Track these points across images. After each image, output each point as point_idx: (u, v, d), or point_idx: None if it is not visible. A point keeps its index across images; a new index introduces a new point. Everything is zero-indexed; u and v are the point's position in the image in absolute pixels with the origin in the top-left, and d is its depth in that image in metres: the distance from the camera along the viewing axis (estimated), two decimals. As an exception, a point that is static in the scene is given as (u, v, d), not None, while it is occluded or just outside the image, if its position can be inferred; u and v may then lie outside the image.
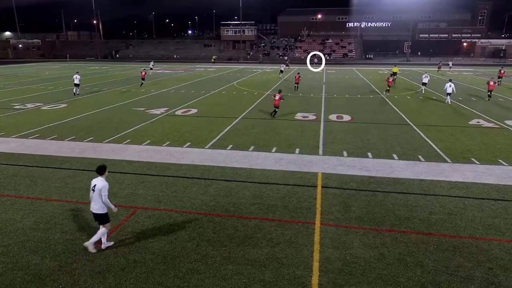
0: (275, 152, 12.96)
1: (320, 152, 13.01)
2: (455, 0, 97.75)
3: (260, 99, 24.92)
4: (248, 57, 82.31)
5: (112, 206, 7.00)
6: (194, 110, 20.65)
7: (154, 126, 16.83)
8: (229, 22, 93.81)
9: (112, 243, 7.27)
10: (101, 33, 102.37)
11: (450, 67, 51.72)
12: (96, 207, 6.95)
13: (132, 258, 6.87)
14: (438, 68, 49.01)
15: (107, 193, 6.89)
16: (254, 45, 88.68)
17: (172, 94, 27.69)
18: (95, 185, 6.94)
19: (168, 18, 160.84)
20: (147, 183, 10.26)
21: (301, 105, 22.67)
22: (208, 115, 19.44)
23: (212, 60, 72.14)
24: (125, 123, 17.19)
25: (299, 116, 19.19)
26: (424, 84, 28.60)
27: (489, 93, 25.20)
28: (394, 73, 41.11)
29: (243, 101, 24.04)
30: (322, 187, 9.98)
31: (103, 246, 7.16)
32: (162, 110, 20.66)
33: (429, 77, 30.04)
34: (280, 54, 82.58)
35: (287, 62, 59.71)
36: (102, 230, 7.08)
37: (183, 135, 15.10)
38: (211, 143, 13.95)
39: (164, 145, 13.79)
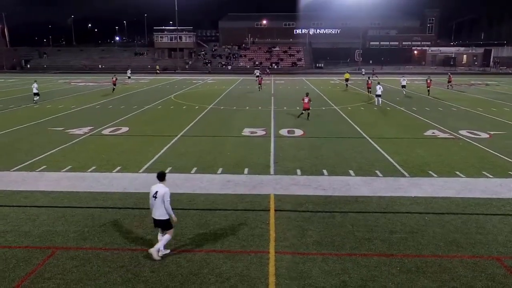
0: (221, 173, 12.92)
1: (272, 171, 13.17)
2: (403, 7, 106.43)
3: (202, 114, 24.85)
4: (187, 66, 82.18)
5: (174, 215, 7.74)
6: (124, 129, 20.07)
7: (76, 148, 16.07)
8: (163, 27, 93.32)
9: (168, 251, 7.92)
10: (7, 40, 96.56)
11: (363, 74, 56.77)
12: (159, 213, 7.66)
13: (51, 311, 6.36)
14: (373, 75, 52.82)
15: (169, 199, 7.62)
16: (193, 54, 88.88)
17: (97, 110, 26.74)
18: (156, 192, 7.63)
19: (91, 23, 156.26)
20: (68, 217, 9.67)
21: (248, 120, 22.91)
22: (142, 133, 18.98)
23: (157, 71, 71.76)
24: (39, 146, 16.22)
25: (246, 131, 19.37)
26: (403, 86, 35.82)
27: (428, 89, 34.98)
28: (346, 80, 44.01)
29: (182, 117, 23.81)
30: (275, 210, 10.07)
31: (160, 254, 7.78)
32: (86, 129, 19.83)
33: (406, 80, 37.01)
34: (223, 63, 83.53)
35: (266, 70, 63.63)
36: (166, 237, 7.76)
37: (112, 158, 14.57)
38: (146, 166, 13.58)
39: (89, 170, 13.18)
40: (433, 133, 19.17)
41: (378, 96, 28.85)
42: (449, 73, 46.06)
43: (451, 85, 41.87)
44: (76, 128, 20.04)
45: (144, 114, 24.96)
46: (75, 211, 10.02)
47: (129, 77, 51.61)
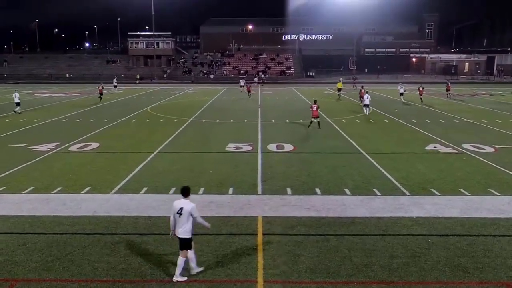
0: (203, 193, 12.86)
1: (259, 190, 13.16)
2: (400, 11, 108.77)
3: (182, 128, 24.82)
4: (165, 75, 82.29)
5: (206, 223, 8.26)
6: (95, 145, 19.91)
7: (40, 167, 15.84)
8: (139, 32, 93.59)
9: (185, 278, 8.04)
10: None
11: (354, 87, 56.79)
12: (182, 230, 7.93)
13: None
14: (354, 85, 53.50)
15: (199, 214, 8.00)
16: (171, 61, 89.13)
17: (64, 124, 26.51)
18: (181, 208, 7.91)
19: (57, 28, 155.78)
20: (29, 245, 9.47)
21: (233, 134, 22.96)
22: (114, 150, 18.84)
23: (136, 80, 71.82)
24: (-3, 165, 15.94)
25: (231, 147, 19.38)
26: (401, 94, 39.35)
27: (421, 97, 38.40)
28: (339, 89, 44.76)
29: (159, 131, 23.75)
30: (263, 234, 10.03)
31: (194, 272, 8.18)
32: (51, 145, 19.61)
33: (404, 88, 40.45)
34: (205, 71, 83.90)
35: (262, 78, 64.81)
36: (190, 255, 8.10)
37: (81, 178, 14.40)
38: (118, 187, 13.45)
39: (54, 192, 12.99)
40: (435, 147, 19.46)
41: (366, 106, 30.19)
42: (447, 82, 47.83)
43: (449, 94, 43.81)
44: (39, 145, 19.79)
45: (116, 128, 24.80)
46: (37, 238, 9.83)
47: (115, 86, 53.59)
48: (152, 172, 15.13)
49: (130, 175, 14.74)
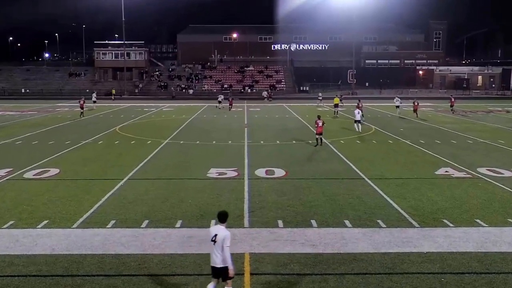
0: (180, 227, 12.75)
1: (246, 222, 13.09)
2: (404, 18, 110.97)
3: (157, 151, 24.73)
4: (137, 91, 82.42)
5: (232, 266, 8.21)
6: (54, 171, 19.73)
7: (-11, 197, 15.59)
8: (107, 41, 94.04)
9: None
10: None
11: (320, 99, 57.68)
12: (219, 260, 8.18)
13: None
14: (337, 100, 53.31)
15: (229, 244, 8.11)
16: (144, 74, 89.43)
17: (18, 147, 26.26)
18: (216, 235, 8.18)
19: (11, 35, 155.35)
20: (-25, 290, 9.23)
21: (215, 157, 22.94)
22: (77, 177, 18.68)
23: (112, 96, 71.94)
24: None
25: (213, 172, 19.33)
26: (397, 107, 43.79)
27: (415, 113, 42.28)
28: (336, 105, 45.45)
29: (130, 155, 23.65)
30: (251, 274, 9.93)
31: None
32: (2, 172, 19.39)
33: (400, 100, 44.42)
34: (183, 86, 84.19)
35: (269, 93, 66.91)
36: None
37: (37, 210, 14.20)
38: (81, 220, 13.28)
39: (5, 226, 12.77)
40: (447, 171, 19.63)
41: (357, 121, 31.75)
42: (451, 96, 50.04)
43: (453, 109, 46.39)
44: (-11, 171, 19.53)
45: (80, 152, 24.63)
46: (-16, 282, 9.59)
47: (94, 102, 55.68)
48: (121, 202, 14.98)
49: (95, 206, 14.57)
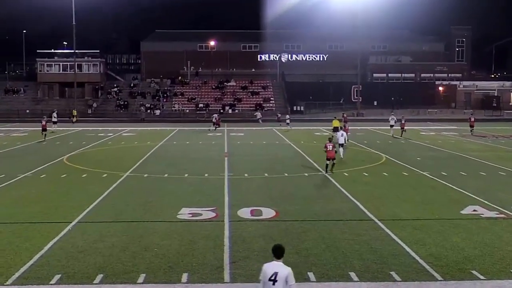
0: (143, 282, 12.59)
1: (227, 277, 12.96)
2: (420, 23, 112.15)
3: (114, 186, 24.54)
4: (90, 111, 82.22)
5: None
6: (-17, 212, 19.41)
7: None
8: (53, 50, 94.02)
9: None
10: None
11: (288, 123, 59.49)
12: None
13: None
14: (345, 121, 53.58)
15: (294, 282, 8.50)
16: (100, 91, 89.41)
17: None
18: (275, 274, 8.46)
19: None
20: None
21: (188, 194, 22.83)
22: (13, 220, 18.41)
23: (73, 118, 71.18)
24: None
25: (185, 213, 19.19)
26: (391, 126, 49.21)
27: (401, 132, 48.02)
28: (335, 129, 45.97)
29: (81, 191, 23.45)
30: None
31: None
32: None
33: (395, 119, 49.18)
34: (148, 105, 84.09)
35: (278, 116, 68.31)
36: None
37: (-39, 262, 13.88)
38: (18, 274, 13.04)
39: None
40: (475, 210, 19.66)
41: (341, 145, 32.68)
42: (471, 115, 53.03)
43: (473, 130, 49.94)
44: None
45: (16, 188, 24.36)
46: None
47: (55, 123, 58.33)
48: (69, 252, 14.73)
49: (36, 257, 14.30)
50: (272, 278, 8.43)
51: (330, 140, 27.46)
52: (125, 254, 14.59)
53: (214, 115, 61.17)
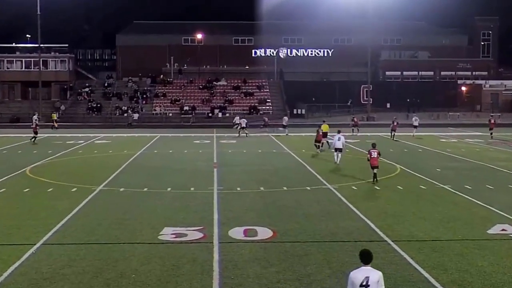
0: (119, 314, 12.52)
1: (216, 307, 12.91)
2: (439, 14, 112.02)
3: (85, 202, 24.49)
4: (57, 115, 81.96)
5: None
6: None
7: None
8: (14, 45, 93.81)
9: None
10: None
11: (284, 125, 61.77)
12: None
13: None
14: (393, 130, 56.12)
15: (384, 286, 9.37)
16: (69, 91, 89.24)
17: None
18: (367, 278, 9.12)
19: None
20: None
21: (171, 211, 22.85)
22: (-34, 241, 18.33)
23: (54, 122, 71.24)
24: None
25: (168, 233, 19.18)
26: (415, 127, 55.42)
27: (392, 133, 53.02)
28: (324, 134, 45.71)
29: (47, 208, 23.45)
30: None
31: None
32: None
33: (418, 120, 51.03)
34: (125, 108, 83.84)
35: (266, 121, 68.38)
36: None
37: None
38: (-28, 305, 12.96)
39: None
40: (503, 230, 19.66)
41: (337, 150, 34.64)
42: (491, 117, 55.23)
43: (492, 134, 52.32)
44: None
45: (-28, 204, 24.24)
46: None
47: (36, 125, 58.85)
48: (32, 279, 14.70)
49: (-6, 285, 14.27)
50: (364, 283, 9.03)
51: (374, 146, 28.78)
52: (97, 281, 14.55)
53: (242, 119, 61.56)
